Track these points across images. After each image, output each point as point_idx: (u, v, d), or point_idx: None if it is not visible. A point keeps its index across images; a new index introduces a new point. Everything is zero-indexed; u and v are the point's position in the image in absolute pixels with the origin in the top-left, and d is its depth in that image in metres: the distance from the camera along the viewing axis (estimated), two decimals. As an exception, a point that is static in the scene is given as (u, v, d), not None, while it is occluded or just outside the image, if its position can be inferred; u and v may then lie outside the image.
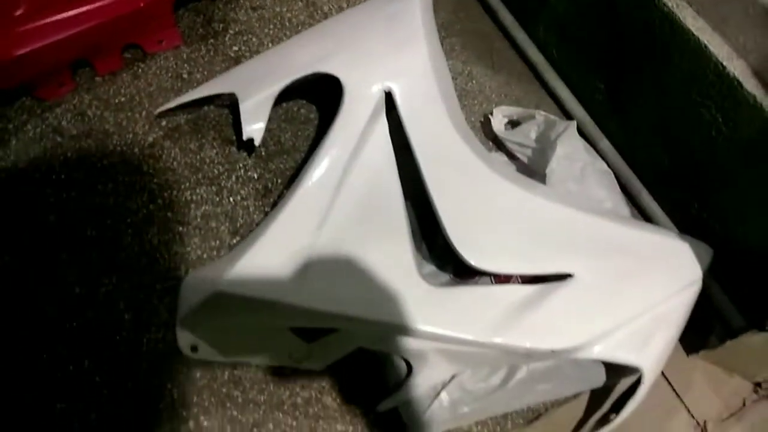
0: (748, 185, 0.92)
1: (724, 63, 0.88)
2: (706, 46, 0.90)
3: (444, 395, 0.92)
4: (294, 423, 0.93)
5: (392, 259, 0.89)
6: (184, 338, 0.89)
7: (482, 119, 1.22)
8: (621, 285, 0.89)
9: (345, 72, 0.98)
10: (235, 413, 0.92)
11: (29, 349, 0.92)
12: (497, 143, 1.19)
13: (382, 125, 0.95)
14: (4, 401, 0.88)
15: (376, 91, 0.96)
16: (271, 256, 0.86)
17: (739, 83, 0.87)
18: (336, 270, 0.87)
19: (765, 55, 0.85)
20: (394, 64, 0.99)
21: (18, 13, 1.04)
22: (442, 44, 1.05)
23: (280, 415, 0.94)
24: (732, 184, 0.95)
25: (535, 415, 0.97)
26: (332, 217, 0.88)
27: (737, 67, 0.88)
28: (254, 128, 1.03)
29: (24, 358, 0.91)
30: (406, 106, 0.95)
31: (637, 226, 0.97)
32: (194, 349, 0.89)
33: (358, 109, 0.95)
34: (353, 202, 0.90)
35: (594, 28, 1.13)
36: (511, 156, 1.16)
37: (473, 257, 0.88)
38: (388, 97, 0.96)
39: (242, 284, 0.84)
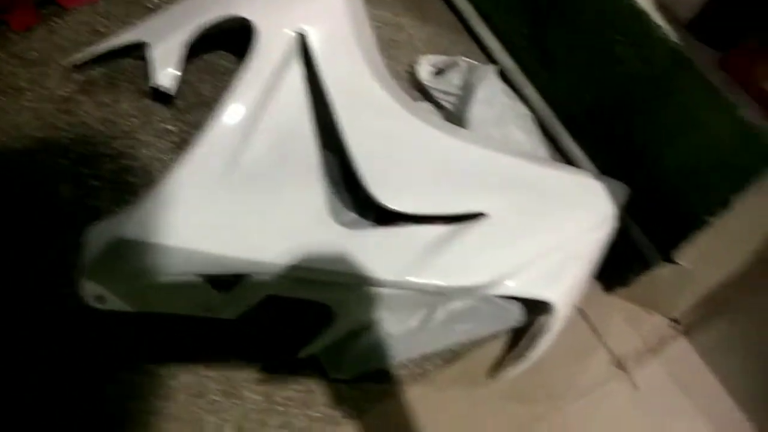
0: (661, 118, 0.92)
1: (633, -1, 0.88)
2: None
3: (364, 339, 0.92)
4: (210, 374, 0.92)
5: (305, 204, 0.87)
6: (90, 289, 0.86)
7: (409, 69, 1.20)
8: (533, 221, 0.89)
9: (256, 14, 0.96)
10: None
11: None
12: (424, 93, 1.17)
13: (296, 69, 0.94)
14: None
15: (289, 34, 0.94)
16: (176, 200, 0.84)
17: (647, 16, 0.87)
18: (246, 215, 0.85)
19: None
20: (308, 6, 0.97)
21: None
22: None
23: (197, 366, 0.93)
24: (647, 119, 0.95)
25: (454, 355, 0.97)
26: (242, 162, 0.86)
27: (644, 2, 0.88)
28: (164, 74, 1.00)
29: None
30: (319, 50, 0.93)
31: (553, 167, 0.97)
32: (101, 299, 0.86)
33: (270, 52, 0.93)
34: (265, 147, 0.88)
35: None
36: (438, 105, 1.15)
37: (385, 197, 0.87)
38: (303, 41, 0.94)
39: (145, 230, 0.81)
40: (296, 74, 0.94)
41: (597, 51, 0.99)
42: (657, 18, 0.86)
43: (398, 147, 0.91)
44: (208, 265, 0.86)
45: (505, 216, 0.89)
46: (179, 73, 1.01)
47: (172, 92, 1.00)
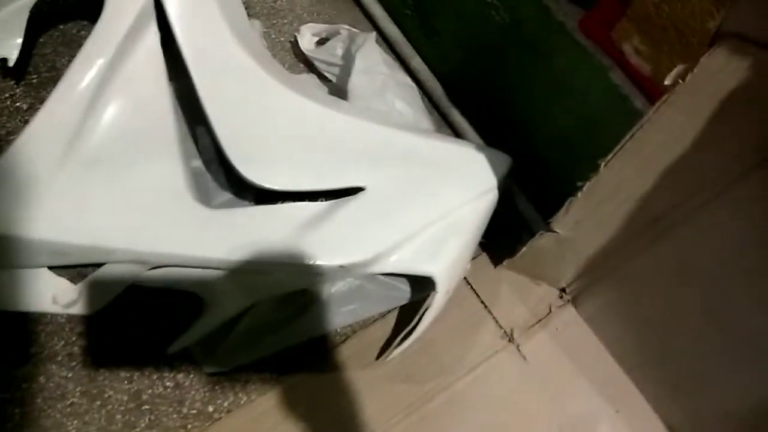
0: (535, 84, 0.91)
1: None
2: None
3: (239, 328, 0.86)
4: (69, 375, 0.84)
5: (161, 182, 0.80)
6: None
7: (292, 39, 1.14)
8: (412, 195, 0.86)
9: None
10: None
11: None
12: (308, 65, 1.11)
13: (150, 33, 0.85)
14: None
15: (140, -6, 0.85)
16: (9, 183, 0.74)
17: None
18: (91, 196, 0.77)
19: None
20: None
21: None
22: None
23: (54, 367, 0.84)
24: (523, 86, 0.94)
25: (342, 338, 0.93)
26: (85, 136, 0.78)
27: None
28: (7, 45, 0.89)
29: None
30: (176, 12, 0.85)
31: (433, 137, 0.94)
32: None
33: (120, 14, 0.83)
34: (112, 119, 0.80)
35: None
36: (322, 77, 1.09)
37: (254, 174, 0.81)
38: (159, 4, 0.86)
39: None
40: (151, 39, 0.85)
41: (472, 17, 0.96)
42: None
43: (266, 118, 0.84)
44: (53, 255, 0.78)
45: (383, 190, 0.85)
46: (20, 41, 0.90)
47: (12, 62, 0.89)
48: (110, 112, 0.80)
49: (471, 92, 1.04)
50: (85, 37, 1.02)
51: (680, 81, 0.63)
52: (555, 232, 0.85)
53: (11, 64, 0.90)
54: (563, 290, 1.01)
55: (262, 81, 0.85)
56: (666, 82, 0.65)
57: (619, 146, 0.69)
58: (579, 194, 0.76)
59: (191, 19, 0.85)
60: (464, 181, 0.90)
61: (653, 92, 0.77)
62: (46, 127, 0.77)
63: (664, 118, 0.67)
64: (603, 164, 0.71)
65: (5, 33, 0.89)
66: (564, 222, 0.82)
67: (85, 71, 0.80)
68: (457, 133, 1.08)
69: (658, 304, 0.90)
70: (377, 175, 0.85)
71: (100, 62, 0.81)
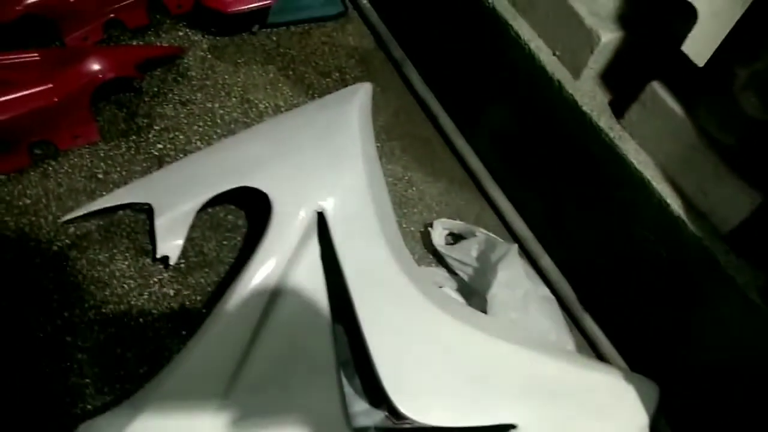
0: (689, 320, 0.89)
1: (668, 200, 0.86)
2: (648, 182, 0.88)
3: None
4: None
5: (318, 408, 0.80)
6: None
7: (422, 229, 1.16)
8: (564, 436, 0.83)
9: (275, 189, 0.92)
10: None
11: None
12: (437, 257, 1.13)
13: (313, 252, 0.89)
14: None
15: (307, 212, 0.89)
16: (176, 409, 0.75)
17: (683, 223, 0.85)
18: (255, 421, 0.77)
19: (716, 203, 0.83)
20: (328, 181, 0.94)
21: None
22: (381, 148, 1.01)
23: None
24: (673, 318, 0.92)
25: None
26: (251, 360, 0.79)
27: (680, 207, 0.86)
28: (169, 246, 0.95)
29: None
30: (338, 229, 0.89)
31: (580, 364, 0.92)
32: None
33: (287, 233, 0.88)
34: (277, 341, 0.82)
35: (533, 143, 1.11)
36: (452, 272, 1.10)
37: (407, 407, 0.80)
38: (321, 217, 0.90)
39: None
40: (313, 258, 0.89)
41: (621, 239, 0.96)
42: (693, 226, 0.84)
43: (420, 343, 0.85)
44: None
45: (536, 429, 0.82)
46: (182, 242, 0.95)
47: (173, 261, 0.93)
48: (275, 333, 0.82)
49: (608, 303, 1.03)
50: (232, 222, 1.10)
51: None
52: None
53: (172, 262, 0.94)
54: None
55: (417, 303, 0.87)
56: None
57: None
58: None
59: (352, 237, 0.89)
60: (614, 420, 0.86)
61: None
62: (216, 348, 0.79)
63: None
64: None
65: (169, 234, 0.95)
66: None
67: (253, 290, 0.83)
68: (590, 341, 1.06)
69: None
70: (528, 413, 0.83)
71: (267, 283, 0.84)
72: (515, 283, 0.98)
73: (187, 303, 1.00)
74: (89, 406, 0.88)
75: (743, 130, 0.78)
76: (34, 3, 1.14)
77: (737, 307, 0.80)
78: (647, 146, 0.90)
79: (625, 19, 0.95)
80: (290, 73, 1.32)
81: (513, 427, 0.82)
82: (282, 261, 0.85)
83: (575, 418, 0.84)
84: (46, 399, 0.88)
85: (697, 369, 0.91)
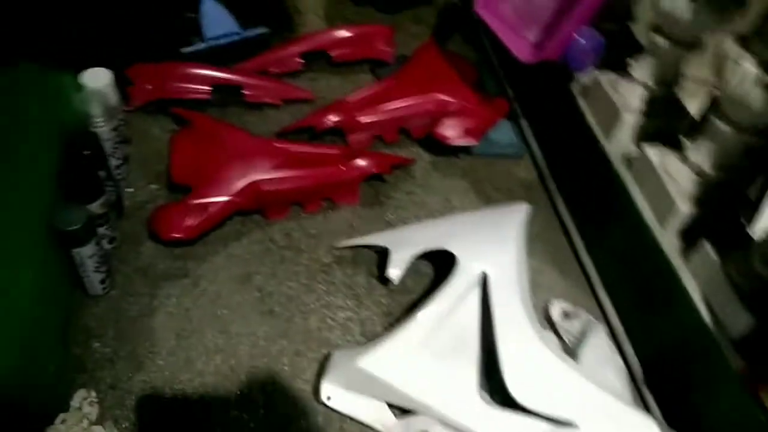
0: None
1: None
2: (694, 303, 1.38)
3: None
4: None
5: (466, 380, 1.38)
6: (324, 391, 1.41)
7: (543, 305, 1.72)
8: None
9: (461, 252, 1.54)
10: None
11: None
12: (551, 324, 1.68)
13: (475, 295, 1.48)
14: None
15: (477, 271, 1.50)
16: (392, 355, 1.38)
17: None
18: (427, 377, 1.38)
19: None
20: (493, 256, 1.55)
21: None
22: (529, 247, 1.61)
23: None
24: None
25: None
26: (431, 344, 1.40)
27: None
28: (394, 272, 1.59)
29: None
30: (494, 287, 1.49)
31: (637, 410, 1.40)
32: (329, 398, 1.40)
33: (463, 280, 1.49)
34: (445, 340, 1.41)
35: (629, 272, 1.64)
36: (559, 337, 1.65)
37: (519, 396, 1.34)
38: (485, 277, 1.51)
39: (373, 367, 1.36)
40: (475, 299, 1.48)
41: (676, 341, 1.45)
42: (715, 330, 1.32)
43: (534, 367, 1.39)
44: (403, 400, 1.38)
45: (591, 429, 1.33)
46: (402, 273, 1.62)
47: (395, 283, 1.60)
48: (445, 334, 1.42)
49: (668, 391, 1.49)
50: (424, 271, 1.72)
51: None
52: None
53: (394, 283, 1.60)
54: None
55: (537, 347, 1.41)
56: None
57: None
58: None
59: (502, 291, 1.48)
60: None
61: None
62: (414, 332, 1.42)
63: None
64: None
65: (396, 266, 1.59)
66: None
67: (436, 308, 1.45)
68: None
69: None
70: (590, 420, 1.34)
71: (445, 306, 1.44)
72: (600, 349, 1.50)
73: (392, 310, 1.60)
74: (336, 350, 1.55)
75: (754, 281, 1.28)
76: (337, 120, 1.96)
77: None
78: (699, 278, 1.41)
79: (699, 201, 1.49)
80: (477, 186, 1.99)
81: (575, 425, 1.33)
82: (456, 296, 1.45)
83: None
84: (313, 340, 1.57)
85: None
